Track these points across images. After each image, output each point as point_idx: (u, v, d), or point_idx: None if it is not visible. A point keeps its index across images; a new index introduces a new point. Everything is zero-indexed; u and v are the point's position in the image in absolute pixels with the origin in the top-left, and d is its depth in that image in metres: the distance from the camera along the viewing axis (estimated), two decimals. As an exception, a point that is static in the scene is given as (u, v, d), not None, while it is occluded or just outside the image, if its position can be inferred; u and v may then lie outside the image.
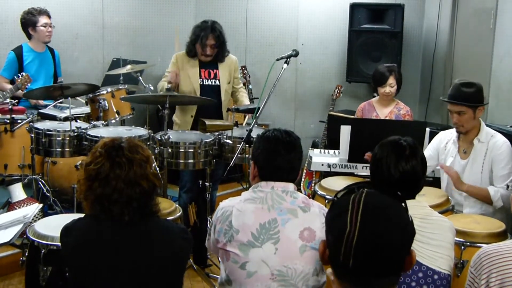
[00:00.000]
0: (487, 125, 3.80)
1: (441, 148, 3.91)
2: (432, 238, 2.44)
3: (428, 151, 3.92)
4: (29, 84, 4.85)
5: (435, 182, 3.99)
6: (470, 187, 3.63)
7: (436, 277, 2.39)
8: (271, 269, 2.35)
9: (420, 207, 2.55)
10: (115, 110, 5.18)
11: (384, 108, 4.81)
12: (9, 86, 5.24)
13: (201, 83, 4.83)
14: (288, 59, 4.18)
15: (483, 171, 3.68)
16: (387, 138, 2.63)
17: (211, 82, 4.89)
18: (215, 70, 4.90)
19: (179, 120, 4.91)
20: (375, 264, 1.43)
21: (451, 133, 3.90)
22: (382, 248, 1.43)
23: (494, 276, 2.08)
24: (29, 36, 5.47)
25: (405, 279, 2.40)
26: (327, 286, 2.46)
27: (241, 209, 2.43)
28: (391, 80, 4.72)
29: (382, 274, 1.45)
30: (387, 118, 4.74)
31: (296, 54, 4.24)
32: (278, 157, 2.49)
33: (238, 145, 4.21)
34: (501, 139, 3.68)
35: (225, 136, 4.39)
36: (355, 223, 1.42)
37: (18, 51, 5.43)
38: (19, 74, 4.87)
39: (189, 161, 4.23)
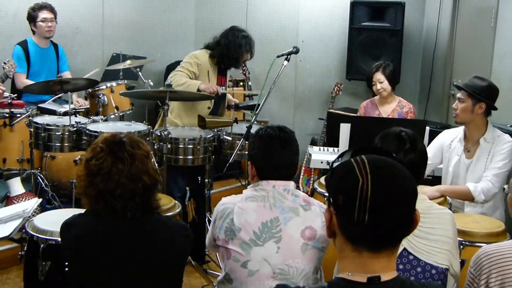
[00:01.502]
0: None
1: (445, 146, 3.91)
2: (430, 233, 2.43)
3: (432, 148, 3.92)
4: (14, 69, 4.84)
5: (435, 181, 3.99)
6: (446, 189, 3.62)
7: (434, 271, 2.40)
8: (273, 268, 2.35)
9: (420, 201, 2.55)
10: (114, 105, 5.17)
11: (387, 107, 4.80)
12: (28, 81, 5.24)
13: None
14: (288, 56, 4.17)
15: (486, 170, 3.69)
16: (389, 129, 2.63)
17: (222, 89, 4.88)
18: (224, 78, 4.92)
19: (181, 123, 4.78)
20: (391, 214, 1.45)
21: (457, 131, 3.90)
22: (397, 194, 1.46)
23: (494, 276, 2.08)
24: (34, 32, 5.47)
25: (404, 273, 2.41)
26: (329, 264, 2.47)
27: (242, 207, 2.42)
28: (378, 76, 4.71)
29: (395, 227, 1.48)
30: (390, 116, 4.73)
31: (296, 51, 4.23)
32: (274, 154, 2.49)
33: (237, 142, 4.21)
34: (507, 138, 3.69)
35: (224, 133, 4.39)
36: (366, 175, 1.45)
37: (24, 45, 5.43)
38: (5, 61, 4.84)
39: (188, 157, 4.24)
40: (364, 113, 4.87)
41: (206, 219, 4.37)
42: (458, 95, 3.71)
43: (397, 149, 2.50)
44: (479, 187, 3.58)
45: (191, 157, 4.24)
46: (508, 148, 3.64)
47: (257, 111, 4.10)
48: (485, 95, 3.64)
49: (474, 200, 3.60)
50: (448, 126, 4.89)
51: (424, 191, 3.51)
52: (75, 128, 4.26)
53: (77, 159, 4.61)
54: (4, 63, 4.80)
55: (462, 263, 2.89)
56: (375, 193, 1.43)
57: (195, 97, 4.65)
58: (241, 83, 6.50)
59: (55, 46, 5.65)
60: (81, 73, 5.85)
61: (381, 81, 4.72)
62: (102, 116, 4.89)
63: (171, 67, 5.96)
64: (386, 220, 1.45)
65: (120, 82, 5.30)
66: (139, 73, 5.59)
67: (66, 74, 5.63)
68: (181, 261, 2.35)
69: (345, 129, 4.11)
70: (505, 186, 3.36)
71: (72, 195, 4.49)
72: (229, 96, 5.13)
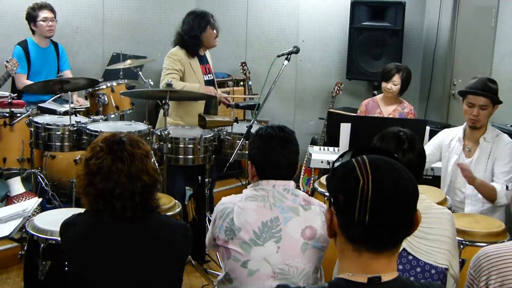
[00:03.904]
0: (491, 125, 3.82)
1: (444, 145, 3.91)
2: (429, 233, 2.43)
3: (430, 147, 3.92)
4: (16, 68, 4.86)
5: (435, 181, 3.99)
6: (481, 182, 3.59)
7: (433, 271, 2.40)
8: (273, 267, 2.35)
9: (420, 201, 2.54)
10: (114, 105, 5.17)
11: (388, 106, 4.80)
12: (28, 82, 5.25)
13: (204, 79, 4.80)
14: (289, 56, 4.16)
15: (487, 169, 3.69)
16: (388, 128, 2.63)
17: (209, 77, 4.87)
18: (208, 65, 4.90)
19: (183, 122, 4.76)
20: (391, 215, 1.45)
21: (456, 131, 3.90)
22: (398, 194, 1.45)
23: (494, 278, 2.07)
24: (33, 32, 5.46)
25: (404, 274, 2.41)
26: (329, 264, 2.46)
27: (242, 207, 2.43)
28: (396, 78, 4.69)
29: (396, 228, 1.47)
30: (391, 116, 4.73)
31: (297, 50, 4.22)
32: (274, 154, 2.49)
33: (237, 141, 4.21)
34: (506, 139, 3.70)
35: (224, 132, 4.39)
36: (367, 175, 1.44)
37: (24, 45, 5.42)
38: (8, 60, 4.85)
39: (189, 156, 4.24)
40: (365, 110, 4.87)
41: (206, 218, 4.37)
42: (480, 102, 3.62)
43: (396, 149, 2.50)
44: (504, 190, 3.56)
45: (191, 156, 4.24)
46: (509, 149, 3.66)
47: (257, 111, 4.10)
48: (498, 97, 3.66)
49: (495, 201, 3.57)
50: (448, 126, 4.88)
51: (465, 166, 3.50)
52: (75, 128, 4.26)
53: (77, 158, 4.60)
54: (7, 61, 4.82)
55: (462, 262, 2.89)
56: (376, 193, 1.43)
57: (195, 97, 4.64)
58: (242, 83, 6.50)
59: (55, 45, 5.64)
60: (81, 72, 5.86)
61: (396, 83, 4.70)
62: (102, 116, 4.88)
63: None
64: (387, 221, 1.45)
65: (120, 82, 5.30)
66: (139, 72, 5.59)
67: (67, 73, 5.63)
68: (181, 261, 2.35)
69: (345, 129, 4.11)
70: (509, 185, 3.37)
71: (72, 194, 4.49)
72: (220, 94, 5.10)
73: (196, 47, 4.77)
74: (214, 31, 4.79)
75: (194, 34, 4.71)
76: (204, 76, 4.82)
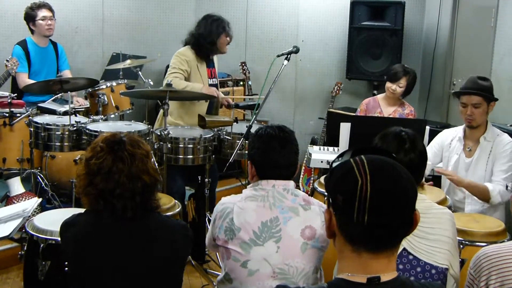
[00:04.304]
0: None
1: (445, 145, 3.92)
2: (430, 233, 2.43)
3: (432, 148, 3.93)
4: (16, 67, 4.87)
5: (435, 181, 3.99)
6: (470, 183, 3.63)
7: (433, 271, 2.40)
8: (272, 267, 2.35)
9: (420, 201, 2.54)
10: (114, 105, 5.17)
11: (389, 107, 4.80)
12: (30, 81, 5.25)
13: (209, 83, 4.82)
14: (288, 56, 4.17)
15: (487, 169, 3.70)
16: (389, 128, 2.63)
17: (213, 82, 4.88)
18: (214, 69, 4.91)
19: (184, 123, 4.78)
20: (390, 215, 1.44)
21: (456, 131, 3.91)
22: (397, 194, 1.45)
23: (494, 278, 2.07)
24: (32, 31, 5.46)
25: (404, 273, 2.41)
26: (329, 263, 2.46)
27: (242, 207, 2.43)
28: (403, 81, 4.71)
29: (395, 228, 1.46)
30: (391, 116, 4.73)
31: (297, 50, 4.23)
32: (274, 154, 2.49)
33: (237, 141, 4.21)
34: (506, 138, 3.71)
35: (224, 132, 4.39)
36: (365, 175, 1.44)
37: (23, 44, 5.42)
38: (8, 59, 4.86)
39: (188, 156, 4.24)
40: (366, 109, 4.87)
41: (206, 218, 4.37)
42: (472, 101, 3.63)
43: (397, 149, 2.50)
44: (497, 188, 3.57)
45: (191, 156, 4.24)
46: (510, 148, 3.66)
47: (257, 111, 4.10)
48: (493, 94, 3.66)
49: (490, 200, 3.58)
50: (448, 126, 4.89)
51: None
52: (75, 128, 4.26)
53: (77, 158, 4.60)
54: (7, 60, 4.83)
55: (462, 262, 2.89)
56: (375, 193, 1.42)
57: (195, 97, 4.65)
58: (241, 83, 6.50)
59: (54, 44, 5.65)
60: (81, 72, 5.86)
61: (401, 85, 4.71)
62: (102, 116, 4.89)
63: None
64: (385, 221, 1.44)
65: (120, 82, 5.30)
66: (139, 72, 5.60)
67: (66, 73, 5.63)
68: (181, 261, 2.35)
69: (345, 129, 4.11)
70: (509, 184, 3.37)
71: (72, 194, 4.49)
72: (221, 95, 5.11)
73: (210, 51, 4.82)
74: (228, 39, 4.81)
75: (211, 39, 4.74)
76: (209, 80, 4.83)
